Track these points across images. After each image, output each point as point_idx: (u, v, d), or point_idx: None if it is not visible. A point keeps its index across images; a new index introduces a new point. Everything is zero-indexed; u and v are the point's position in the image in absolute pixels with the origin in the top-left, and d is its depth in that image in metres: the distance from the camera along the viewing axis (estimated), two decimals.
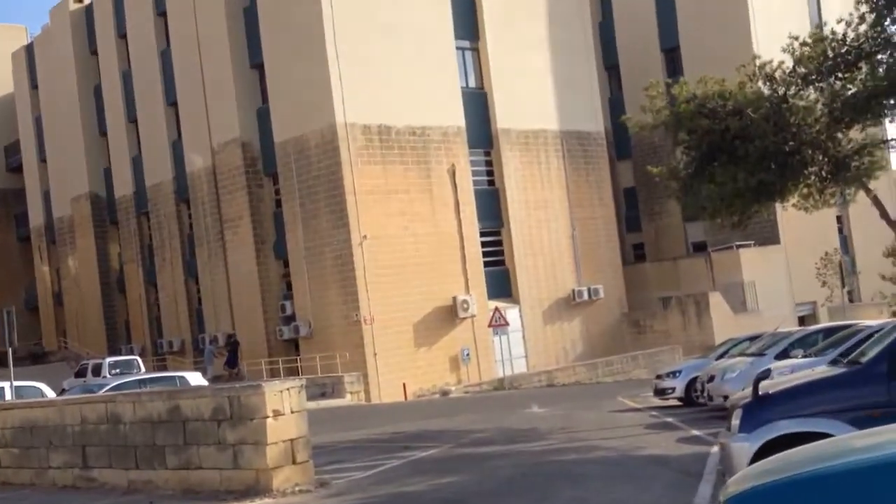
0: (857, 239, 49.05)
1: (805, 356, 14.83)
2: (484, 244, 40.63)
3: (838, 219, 49.26)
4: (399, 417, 24.06)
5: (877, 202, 20.25)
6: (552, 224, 43.10)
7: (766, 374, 7.13)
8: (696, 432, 14.85)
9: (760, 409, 7.01)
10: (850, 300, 47.45)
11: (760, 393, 7.03)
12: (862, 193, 21.79)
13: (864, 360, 7.18)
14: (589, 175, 45.10)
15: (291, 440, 11.63)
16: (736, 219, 21.42)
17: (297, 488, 11.39)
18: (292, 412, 11.68)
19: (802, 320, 45.63)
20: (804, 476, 4.41)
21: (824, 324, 20.28)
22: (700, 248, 48.85)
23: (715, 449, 12.49)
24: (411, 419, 22.98)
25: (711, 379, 17.31)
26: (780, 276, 45.14)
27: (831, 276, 39.58)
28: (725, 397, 16.67)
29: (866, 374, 6.82)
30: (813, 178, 20.27)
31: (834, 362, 7.85)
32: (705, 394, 17.60)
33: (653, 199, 50.92)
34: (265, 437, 11.41)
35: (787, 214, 42.92)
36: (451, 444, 15.91)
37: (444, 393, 35.15)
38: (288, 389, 11.73)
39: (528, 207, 42.35)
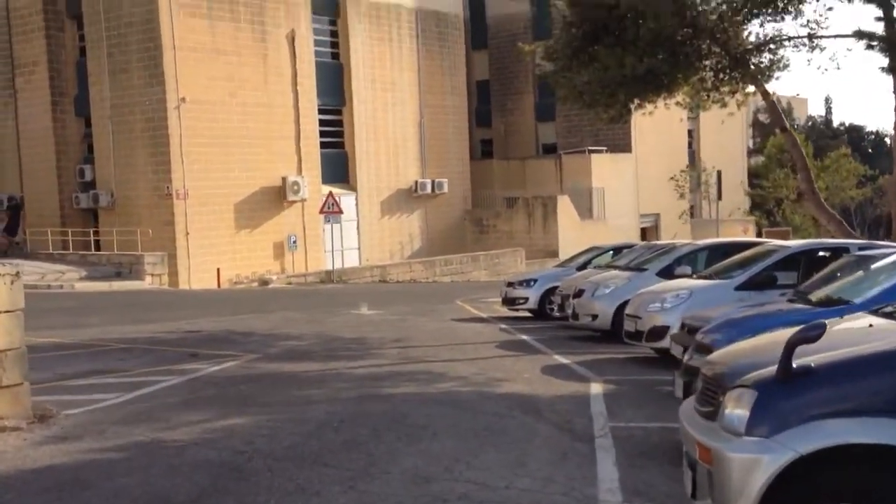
0: (704, 154, 48.14)
1: (703, 277, 12.10)
2: (322, 122, 36.49)
3: (689, 133, 48.25)
4: (203, 309, 20.24)
5: (773, 107, 17.80)
6: (399, 108, 39.35)
7: (817, 333, 3.85)
8: (562, 359, 11.94)
9: (794, 394, 3.79)
10: (692, 215, 46.89)
11: (796, 366, 3.81)
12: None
13: None
14: (443, 60, 41.44)
15: None
16: (614, 112, 18.48)
17: None
18: None
19: (644, 232, 44.62)
20: None
21: (714, 239, 17.90)
22: (550, 150, 46.60)
23: (596, 389, 9.59)
24: (217, 313, 19.25)
25: (580, 294, 14.44)
26: (629, 184, 43.60)
27: (691, 189, 38.19)
28: (594, 316, 13.94)
29: None
30: (709, 71, 17.51)
31: (876, 311, 4.75)
32: (569, 310, 14.77)
33: (506, 93, 48.08)
34: None
35: (641, 123, 41.22)
36: (254, 356, 12.36)
37: (264, 282, 31.39)
38: None
39: (375, 87, 38.35)
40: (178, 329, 15.91)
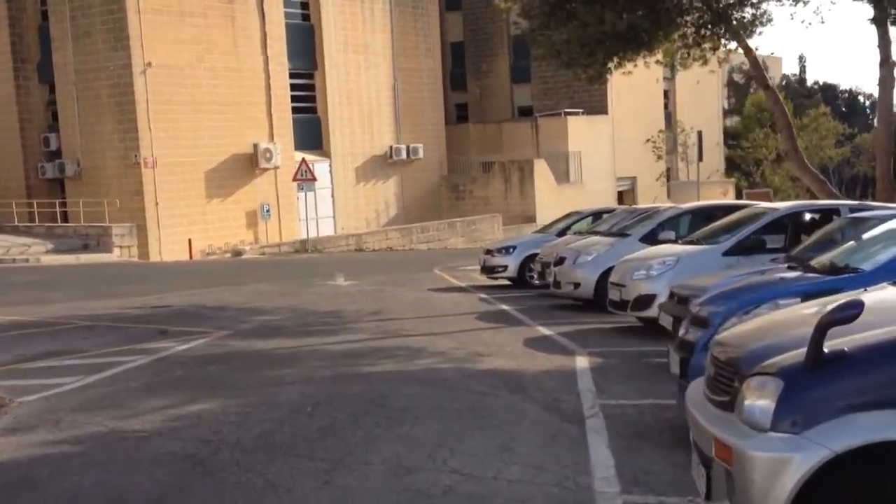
0: (680, 115, 47.77)
1: (689, 242, 11.68)
2: (294, 87, 35.63)
3: (665, 94, 47.91)
4: (172, 283, 19.65)
5: (755, 63, 17.34)
6: (372, 72, 38.53)
7: (853, 313, 3.37)
8: (544, 330, 11.53)
9: (825, 382, 3.36)
10: (668, 178, 46.64)
11: (827, 351, 3.37)
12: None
13: None
14: (416, 21, 40.56)
15: None
16: (593, 71, 17.99)
17: None
18: None
19: (621, 196, 44.32)
20: None
21: (698, 202, 17.47)
22: (526, 112, 46.00)
23: (582, 363, 9.20)
24: (187, 286, 18.67)
25: (561, 261, 14.02)
26: (605, 147, 43.16)
27: (667, 151, 37.65)
28: (577, 284, 13.54)
29: None
30: (690, 27, 17.04)
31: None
32: (550, 278, 14.35)
33: (481, 55, 47.32)
34: None
35: (617, 84, 40.76)
36: (225, 332, 11.86)
37: (237, 253, 30.75)
38: None
39: (347, 50, 37.48)
40: (145, 304, 15.35)
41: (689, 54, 18.06)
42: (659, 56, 18.57)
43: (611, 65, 17.50)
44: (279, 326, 12.43)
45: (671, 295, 9.04)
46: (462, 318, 12.94)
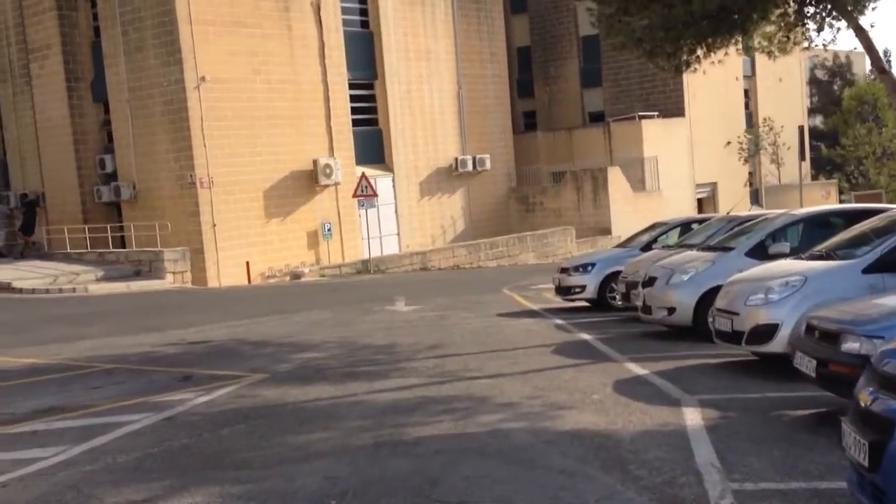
0: (762, 116, 44.89)
1: (816, 257, 9.46)
2: (353, 98, 34.08)
3: (745, 93, 45.21)
4: (220, 312, 18.11)
5: (870, 48, 15.00)
6: (435, 80, 36.79)
7: None
8: (637, 369, 9.47)
9: None
10: (751, 183, 43.82)
11: None
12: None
13: None
14: (480, 24, 38.73)
15: None
16: (678, 61, 15.82)
17: None
18: None
19: (701, 203, 41.75)
20: None
21: (816, 207, 15.16)
22: (597, 118, 43.78)
23: (693, 418, 7.17)
24: (234, 316, 17.09)
25: (651, 282, 11.92)
26: (683, 152, 40.64)
27: (750, 153, 34.88)
28: (672, 309, 11.44)
29: None
30: (791, 5, 14.77)
31: None
32: (638, 301, 12.26)
33: (549, 60, 45.32)
34: None
35: (693, 84, 38.32)
36: (259, 376, 10.11)
37: (296, 276, 29.24)
38: None
39: (409, 58, 35.85)
40: (182, 339, 13.75)
41: (788, 38, 15.75)
42: (757, 40, 16.29)
43: (699, 52, 15.32)
44: (323, 367, 10.63)
45: (809, 328, 6.92)
46: (536, 353, 10.96)
